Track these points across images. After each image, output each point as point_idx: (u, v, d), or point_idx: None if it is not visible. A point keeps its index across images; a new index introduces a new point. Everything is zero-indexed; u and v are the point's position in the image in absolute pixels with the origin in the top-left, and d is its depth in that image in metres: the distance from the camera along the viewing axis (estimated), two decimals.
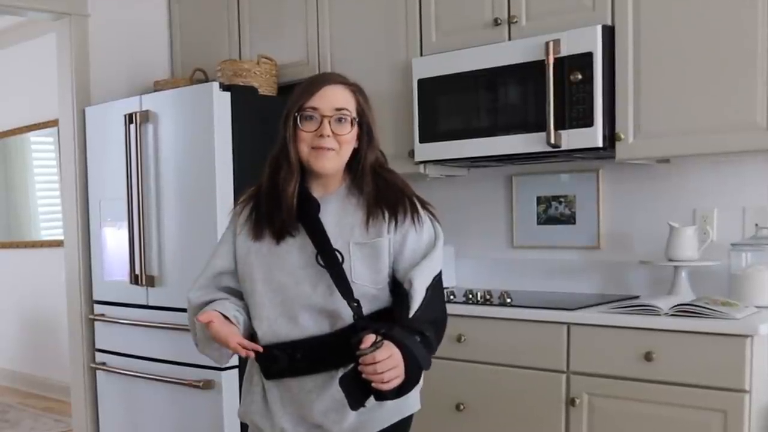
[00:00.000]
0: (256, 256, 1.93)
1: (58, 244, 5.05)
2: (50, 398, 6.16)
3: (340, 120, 1.89)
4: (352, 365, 1.74)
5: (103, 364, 4.11)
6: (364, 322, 1.82)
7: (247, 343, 1.85)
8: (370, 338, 1.70)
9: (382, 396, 1.73)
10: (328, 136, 1.87)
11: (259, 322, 1.93)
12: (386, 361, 1.68)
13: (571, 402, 2.79)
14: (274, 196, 1.92)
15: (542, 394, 2.86)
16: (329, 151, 1.88)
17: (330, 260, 1.87)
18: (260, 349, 1.87)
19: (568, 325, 2.81)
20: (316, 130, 1.88)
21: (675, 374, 2.57)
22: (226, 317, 1.89)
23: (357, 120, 1.92)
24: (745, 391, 2.46)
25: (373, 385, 1.69)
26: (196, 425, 3.64)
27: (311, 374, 1.91)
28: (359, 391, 1.74)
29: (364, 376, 1.69)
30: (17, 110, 6.39)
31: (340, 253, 1.87)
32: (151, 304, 3.83)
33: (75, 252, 4.25)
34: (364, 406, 1.78)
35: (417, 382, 1.79)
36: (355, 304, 1.84)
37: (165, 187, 3.72)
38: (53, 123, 5.49)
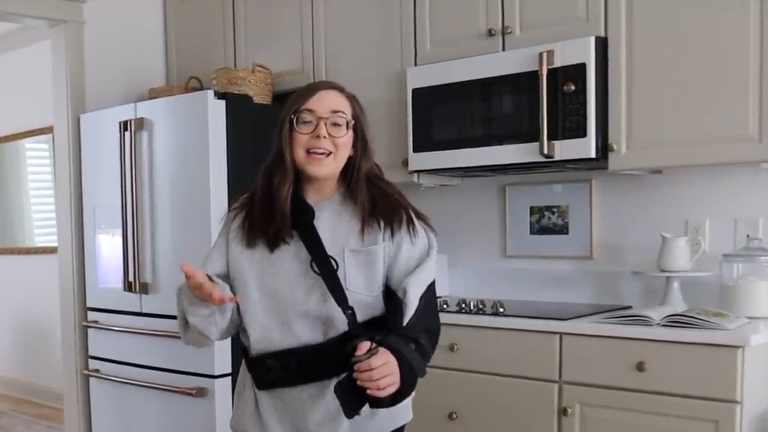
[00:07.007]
0: (250, 262, 1.92)
1: (52, 250, 5.04)
2: (43, 405, 6.14)
3: (336, 123, 1.89)
4: (347, 373, 1.73)
5: (97, 371, 4.11)
6: (359, 330, 1.81)
7: (228, 296, 1.83)
8: (365, 345, 1.69)
9: (377, 403, 1.72)
10: (324, 137, 1.87)
11: (252, 329, 1.91)
12: (382, 368, 1.67)
13: (563, 411, 2.79)
14: (268, 204, 1.91)
15: (535, 404, 2.86)
16: (325, 155, 1.88)
17: (325, 267, 1.86)
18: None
19: (561, 334, 2.81)
20: (312, 132, 1.87)
21: (667, 384, 2.58)
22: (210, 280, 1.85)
23: (353, 124, 1.91)
24: (736, 402, 2.46)
25: (368, 392, 1.69)
26: None
27: (305, 384, 1.90)
28: (354, 398, 1.73)
29: (359, 383, 1.68)
30: (12, 117, 6.38)
31: (335, 260, 1.86)
32: (144, 311, 3.83)
33: (69, 259, 4.25)
34: (359, 414, 1.77)
35: (412, 389, 1.78)
36: (350, 312, 1.84)
37: (159, 195, 3.73)
38: (48, 130, 5.48)
